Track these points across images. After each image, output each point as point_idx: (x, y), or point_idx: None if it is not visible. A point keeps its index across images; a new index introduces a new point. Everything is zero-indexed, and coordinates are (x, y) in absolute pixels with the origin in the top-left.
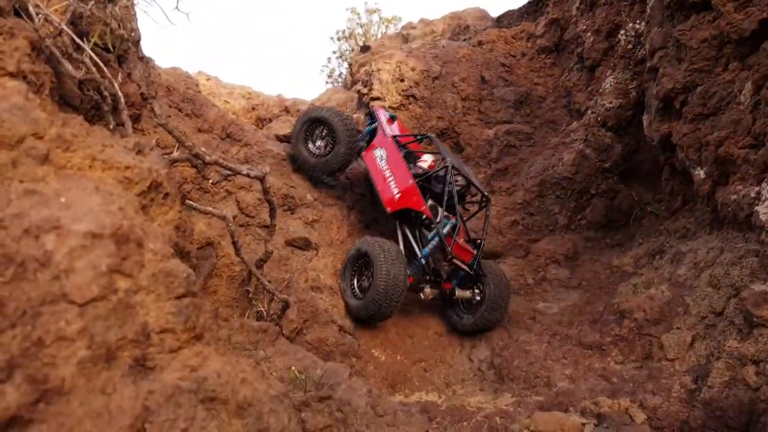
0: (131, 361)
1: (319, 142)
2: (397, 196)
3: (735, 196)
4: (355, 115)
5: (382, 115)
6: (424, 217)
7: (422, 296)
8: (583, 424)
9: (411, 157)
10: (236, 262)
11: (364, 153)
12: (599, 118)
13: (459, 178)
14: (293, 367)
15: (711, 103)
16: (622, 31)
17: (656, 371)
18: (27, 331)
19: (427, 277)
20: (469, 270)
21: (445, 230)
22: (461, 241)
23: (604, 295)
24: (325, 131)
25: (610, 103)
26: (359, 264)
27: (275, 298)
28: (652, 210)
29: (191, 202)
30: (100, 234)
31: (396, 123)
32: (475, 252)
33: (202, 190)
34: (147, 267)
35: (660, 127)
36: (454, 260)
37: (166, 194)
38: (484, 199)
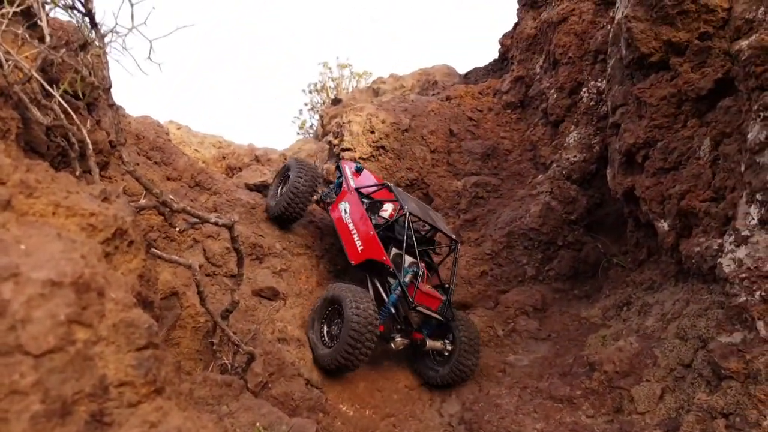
0: (87, 417)
1: (282, 187)
2: (360, 248)
3: (698, 248)
4: (325, 166)
5: (347, 169)
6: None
7: (393, 346)
8: None
9: (375, 208)
10: (201, 313)
11: (331, 208)
12: (564, 172)
13: (424, 223)
14: (258, 423)
15: (672, 158)
16: (584, 89)
17: (627, 425)
18: None
19: (398, 327)
20: (438, 317)
21: (407, 279)
22: (426, 287)
23: (573, 347)
24: (288, 177)
25: (575, 157)
26: (329, 311)
27: (240, 350)
28: (618, 262)
29: (156, 251)
30: (60, 282)
31: (364, 174)
32: (443, 298)
33: (168, 239)
34: (108, 317)
35: (623, 180)
36: (419, 308)
37: (131, 242)
38: (452, 243)
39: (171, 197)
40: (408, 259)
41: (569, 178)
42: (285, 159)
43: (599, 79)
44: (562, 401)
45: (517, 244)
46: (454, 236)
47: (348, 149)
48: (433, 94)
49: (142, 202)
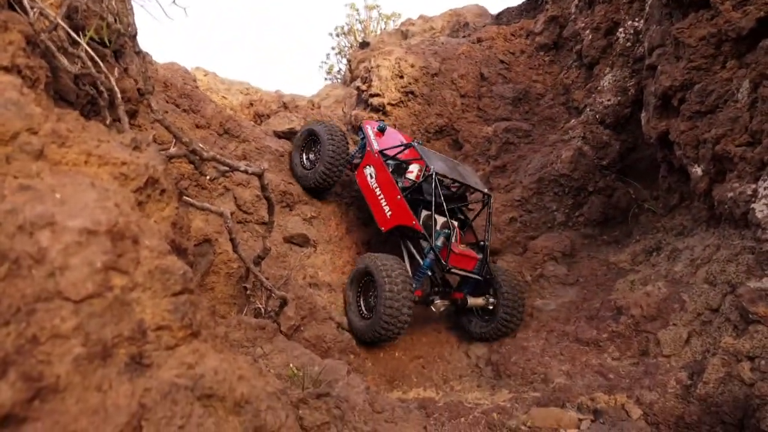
0: (127, 359)
1: (308, 154)
2: (389, 214)
3: (732, 194)
4: (353, 112)
5: (370, 130)
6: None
7: (433, 309)
8: (580, 420)
9: (401, 170)
10: (234, 259)
11: (356, 173)
12: (597, 116)
13: (450, 181)
14: (291, 364)
15: (709, 101)
16: (620, 29)
17: (652, 367)
18: (21, 329)
19: (436, 289)
20: (475, 277)
21: (439, 242)
22: (460, 247)
23: (601, 291)
24: (312, 143)
25: (609, 100)
26: (363, 282)
27: (273, 295)
28: (650, 207)
29: (188, 199)
30: (95, 230)
31: (388, 132)
32: (479, 256)
33: (199, 187)
34: (143, 264)
35: (658, 124)
36: (454, 271)
37: (163, 190)
38: (484, 197)
39: (200, 145)
40: (440, 220)
41: (602, 122)
42: (313, 107)
43: (636, 19)
44: (589, 344)
45: (548, 190)
46: (486, 190)
47: (376, 95)
48: (464, 36)
49: (173, 150)
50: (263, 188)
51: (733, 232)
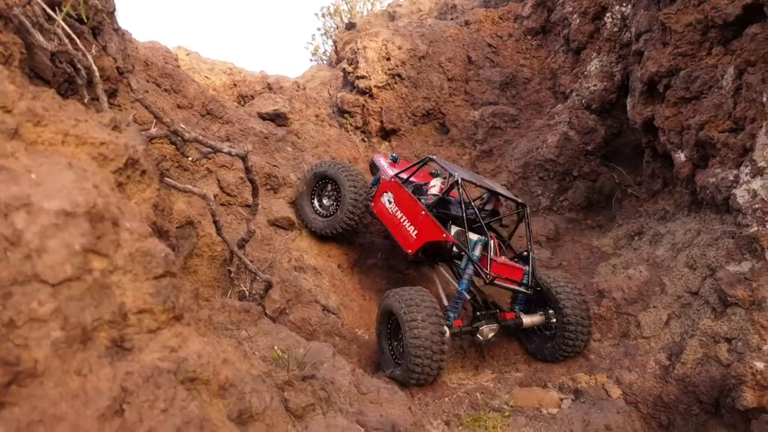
0: (108, 342)
1: (322, 199)
2: (414, 233)
3: (714, 179)
4: (339, 94)
5: (383, 161)
6: (449, 244)
7: (480, 338)
8: (561, 399)
9: (420, 191)
10: (217, 242)
11: (372, 206)
12: (583, 101)
13: (482, 196)
14: (276, 347)
15: (694, 87)
16: (608, 14)
17: (632, 348)
18: None
19: (480, 313)
20: (522, 290)
21: (477, 252)
22: (502, 258)
23: (583, 275)
24: (324, 185)
25: (595, 85)
26: (391, 322)
27: (258, 278)
28: (633, 192)
29: (170, 180)
30: (73, 212)
31: (400, 162)
32: (525, 268)
33: (181, 168)
34: (123, 246)
35: (643, 110)
36: (497, 282)
37: (144, 171)
38: (519, 207)
39: (182, 126)
40: (473, 236)
41: (588, 107)
42: (298, 89)
43: (624, 4)
44: None
45: (533, 174)
46: (520, 200)
47: (363, 77)
48: (452, 19)
49: (153, 131)
50: (247, 170)
51: (715, 217)
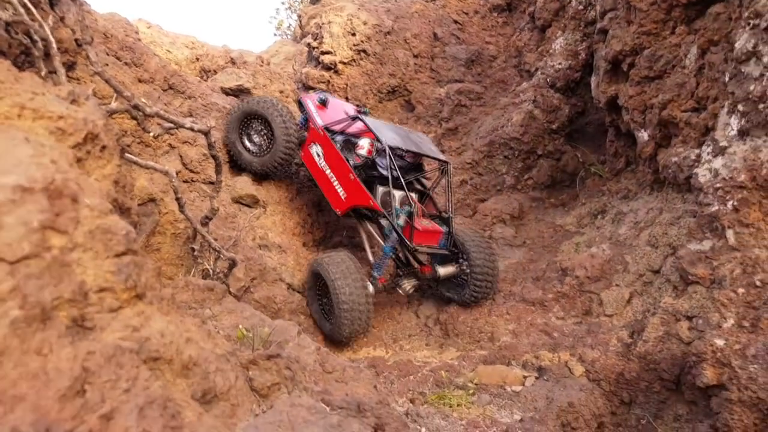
0: (68, 322)
1: (253, 136)
2: (343, 196)
3: (676, 159)
4: (304, 70)
5: (311, 104)
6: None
7: (401, 292)
8: (525, 377)
9: (350, 145)
10: (180, 219)
11: (302, 153)
12: (548, 79)
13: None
14: (241, 326)
15: (657, 66)
16: None
17: (595, 326)
18: None
19: (401, 271)
20: (443, 252)
21: (401, 221)
22: (424, 223)
23: (547, 253)
24: (250, 122)
25: (560, 64)
26: (320, 285)
27: (222, 256)
28: (596, 171)
29: (131, 156)
30: (30, 188)
31: (331, 104)
32: (443, 230)
33: (143, 144)
34: (83, 223)
35: (607, 89)
36: (420, 249)
37: (104, 147)
38: (442, 165)
39: (143, 101)
40: (398, 195)
41: (553, 86)
42: (262, 63)
43: None
44: (534, 304)
45: (498, 153)
46: (443, 157)
47: (328, 52)
48: None
49: (113, 105)
50: (210, 146)
51: (676, 196)
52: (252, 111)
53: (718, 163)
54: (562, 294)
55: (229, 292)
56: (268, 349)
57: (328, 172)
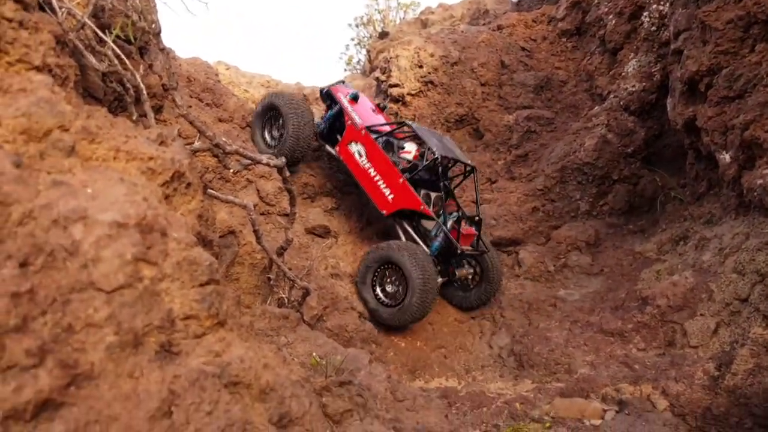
0: (157, 347)
1: (273, 131)
2: (391, 197)
3: (761, 181)
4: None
5: (345, 100)
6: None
7: None
8: (604, 411)
9: (390, 146)
10: (257, 250)
11: (338, 149)
12: (622, 102)
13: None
14: (314, 353)
15: (737, 86)
16: (645, 13)
17: (679, 358)
18: (57, 318)
19: (437, 268)
20: (478, 253)
21: (449, 226)
22: (465, 229)
23: (626, 281)
24: (274, 117)
25: (633, 86)
26: (381, 269)
27: (296, 285)
28: (676, 195)
29: (213, 192)
30: (125, 223)
31: (361, 100)
32: (476, 232)
33: (223, 180)
34: (171, 255)
35: (684, 110)
36: (465, 251)
37: (189, 184)
38: (467, 169)
39: (224, 139)
40: (433, 195)
41: (627, 109)
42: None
43: (661, 2)
44: (613, 335)
45: (571, 179)
46: (470, 162)
47: (396, 85)
48: (484, 24)
49: (197, 144)
50: (285, 180)
51: (763, 220)
52: (271, 104)
53: None
54: (643, 324)
55: (303, 321)
56: (340, 376)
57: (372, 173)
